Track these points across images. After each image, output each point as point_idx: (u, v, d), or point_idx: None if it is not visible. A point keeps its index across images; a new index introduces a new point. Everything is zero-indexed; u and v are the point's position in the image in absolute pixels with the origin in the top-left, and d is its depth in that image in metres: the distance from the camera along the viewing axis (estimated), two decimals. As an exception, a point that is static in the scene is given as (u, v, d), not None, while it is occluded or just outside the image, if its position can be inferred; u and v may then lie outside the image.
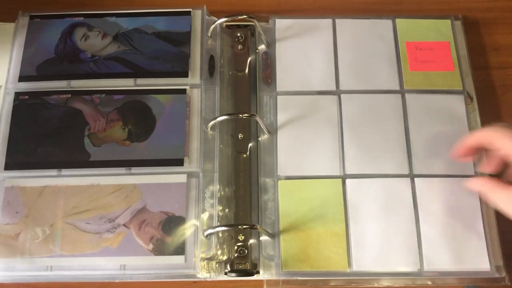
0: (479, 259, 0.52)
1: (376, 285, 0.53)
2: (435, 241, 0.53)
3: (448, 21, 0.63)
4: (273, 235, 0.53)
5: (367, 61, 0.61)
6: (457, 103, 0.59)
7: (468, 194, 0.54)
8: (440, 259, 0.52)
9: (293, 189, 0.55)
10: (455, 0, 0.67)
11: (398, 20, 0.63)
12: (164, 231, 0.53)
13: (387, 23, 0.63)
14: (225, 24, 0.63)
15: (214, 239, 0.53)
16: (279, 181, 0.55)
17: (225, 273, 0.53)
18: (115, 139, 0.57)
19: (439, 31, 0.63)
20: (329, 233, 0.53)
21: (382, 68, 0.61)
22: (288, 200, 0.55)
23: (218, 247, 0.53)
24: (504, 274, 0.52)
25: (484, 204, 0.54)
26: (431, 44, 0.62)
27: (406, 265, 0.52)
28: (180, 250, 0.52)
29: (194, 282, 0.54)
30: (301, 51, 0.61)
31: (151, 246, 0.53)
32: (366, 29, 0.63)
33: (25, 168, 0.56)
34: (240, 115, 0.56)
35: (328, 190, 0.55)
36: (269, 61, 0.61)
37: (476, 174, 0.55)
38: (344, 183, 0.55)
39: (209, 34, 0.62)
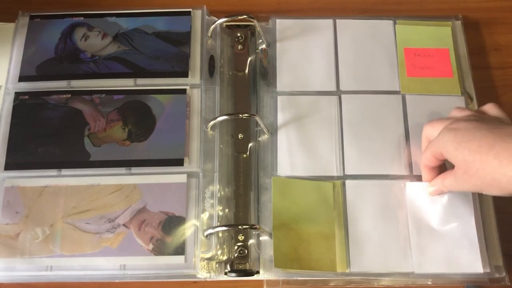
0: (472, 262, 0.52)
1: (374, 285, 0.53)
2: (433, 243, 0.53)
3: (449, 28, 0.63)
4: (272, 235, 0.53)
5: (368, 61, 0.61)
6: (457, 104, 0.59)
7: (464, 196, 0.54)
8: (439, 261, 0.52)
9: (288, 187, 0.55)
10: (455, 0, 0.67)
11: (397, 26, 0.63)
12: (164, 231, 0.53)
13: (388, 24, 0.63)
14: (225, 24, 0.63)
15: (214, 239, 0.53)
16: (273, 177, 0.55)
17: (225, 273, 0.53)
18: (115, 139, 0.57)
19: (439, 38, 0.62)
20: (319, 235, 0.53)
21: (383, 69, 0.61)
22: (281, 198, 0.54)
23: (218, 247, 0.53)
24: (504, 274, 0.52)
25: (478, 207, 0.54)
26: (430, 50, 0.62)
27: (404, 267, 0.52)
28: (180, 250, 0.52)
29: (194, 282, 0.54)
30: (301, 52, 0.61)
31: (151, 246, 0.53)
32: (366, 29, 0.63)
33: (25, 168, 0.56)
34: (240, 115, 0.56)
35: (328, 190, 0.55)
36: (268, 60, 0.61)
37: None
38: (343, 184, 0.55)
39: (209, 34, 0.62)
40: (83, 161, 0.56)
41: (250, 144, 0.58)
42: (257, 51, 0.62)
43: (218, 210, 0.55)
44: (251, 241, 0.54)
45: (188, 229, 0.53)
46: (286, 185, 0.55)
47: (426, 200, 0.54)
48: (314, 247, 0.52)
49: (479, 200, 0.54)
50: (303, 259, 0.52)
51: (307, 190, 0.55)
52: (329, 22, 0.63)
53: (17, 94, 0.59)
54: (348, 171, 0.56)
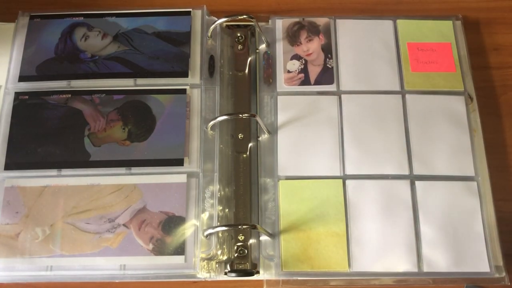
0: (478, 261, 0.52)
1: (376, 284, 0.53)
2: (434, 243, 0.53)
3: (450, 22, 0.63)
4: (273, 235, 0.53)
5: (368, 61, 0.61)
6: (457, 104, 0.59)
7: (468, 195, 0.54)
8: (440, 260, 0.52)
9: (294, 190, 0.55)
10: (456, 0, 0.67)
11: (399, 21, 0.63)
12: (164, 231, 0.53)
13: (388, 24, 0.63)
14: (225, 24, 0.63)
15: (214, 239, 0.53)
16: (280, 181, 0.55)
17: (225, 273, 0.53)
18: (115, 139, 0.57)
19: (441, 32, 0.62)
20: (329, 234, 0.53)
21: (383, 68, 0.61)
22: (288, 200, 0.55)
23: (218, 247, 0.53)
24: (504, 274, 0.52)
25: (483, 205, 0.54)
26: (433, 45, 0.62)
27: (405, 266, 0.52)
28: (180, 250, 0.52)
29: (194, 282, 0.54)
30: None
31: (151, 246, 0.53)
32: (366, 29, 0.63)
33: (25, 168, 0.56)
34: (240, 115, 0.56)
35: (328, 190, 0.55)
36: (270, 61, 0.61)
37: (476, 176, 0.56)
38: (344, 183, 0.55)
39: (209, 34, 0.62)
40: (83, 161, 0.56)
41: (250, 144, 0.58)
42: (257, 51, 0.62)
43: (218, 210, 0.55)
44: (251, 241, 0.54)
45: (188, 229, 0.53)
46: (294, 187, 0.55)
47: (433, 197, 0.54)
48: (324, 247, 0.53)
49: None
50: (313, 259, 0.52)
51: (316, 190, 0.55)
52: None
53: (17, 94, 0.59)
54: (349, 171, 0.56)
